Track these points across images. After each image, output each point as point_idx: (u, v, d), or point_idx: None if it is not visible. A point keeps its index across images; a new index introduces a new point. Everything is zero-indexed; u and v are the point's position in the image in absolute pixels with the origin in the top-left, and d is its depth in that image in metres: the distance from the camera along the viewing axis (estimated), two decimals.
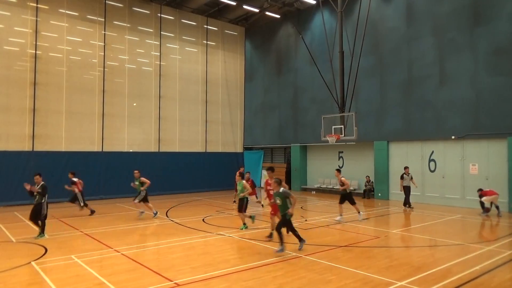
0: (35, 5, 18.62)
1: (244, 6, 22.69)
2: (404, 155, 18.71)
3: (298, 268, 7.65)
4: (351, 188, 21.14)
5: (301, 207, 16.82)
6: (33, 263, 8.06)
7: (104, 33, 20.78)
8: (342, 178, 13.33)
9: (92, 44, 20.40)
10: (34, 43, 18.58)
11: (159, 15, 22.93)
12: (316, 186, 23.21)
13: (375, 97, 19.78)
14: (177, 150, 23.43)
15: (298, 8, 23.48)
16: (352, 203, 13.27)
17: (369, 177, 20.10)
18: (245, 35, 27.38)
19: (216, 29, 25.64)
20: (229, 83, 26.36)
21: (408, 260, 8.36)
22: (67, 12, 19.59)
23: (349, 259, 8.31)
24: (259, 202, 16.31)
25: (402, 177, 16.35)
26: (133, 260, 8.27)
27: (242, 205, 11.55)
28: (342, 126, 16.78)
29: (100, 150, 20.46)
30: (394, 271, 7.44)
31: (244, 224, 11.72)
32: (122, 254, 8.80)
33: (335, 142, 17.55)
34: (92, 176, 19.74)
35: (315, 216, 14.39)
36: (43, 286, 6.69)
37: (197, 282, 6.82)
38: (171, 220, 13.48)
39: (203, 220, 13.40)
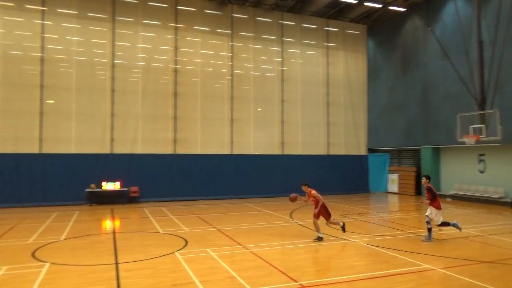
0: (174, 25, 21.16)
1: (366, 3, 21.91)
2: None
3: (431, 282, 7.07)
4: (498, 196, 18.58)
5: None
6: (176, 253, 9.17)
7: (232, 44, 22.44)
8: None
9: (221, 56, 22.24)
10: (174, 58, 21.11)
11: (281, 22, 23.72)
12: (451, 192, 20.97)
13: None
14: (299, 153, 23.84)
15: None
16: None
17: None
18: (367, 33, 26.39)
19: (336, 29, 25.33)
20: (352, 83, 25.73)
21: None
22: (200, 28, 21.76)
23: (494, 277, 7.32)
24: None
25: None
26: (260, 257, 8.73)
27: None
28: (483, 126, 14.87)
29: (230, 152, 22.12)
30: None
31: None
32: (250, 251, 9.37)
33: (474, 144, 15.62)
34: (224, 177, 21.54)
35: None
36: (184, 274, 7.56)
37: (321, 285, 6.86)
38: (295, 222, 13.78)
39: (326, 224, 13.35)
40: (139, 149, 20.15)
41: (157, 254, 8.99)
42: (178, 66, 21.14)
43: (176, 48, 21.16)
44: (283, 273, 7.55)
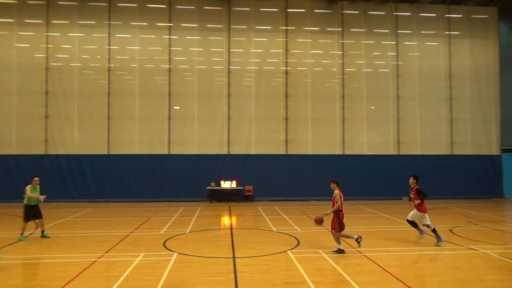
0: (285, 28, 21.63)
1: None
2: None
3: None
4: None
5: None
6: (289, 251, 9.40)
7: (342, 42, 21.98)
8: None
9: (331, 54, 21.95)
10: (285, 60, 21.58)
11: (395, 13, 22.36)
12: None
13: None
14: (418, 153, 22.13)
15: None
16: None
17: None
18: (498, 16, 23.16)
19: (460, 16, 22.81)
20: (480, 74, 22.87)
21: None
22: (310, 28, 21.82)
23: None
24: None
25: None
26: (374, 262, 8.41)
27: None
28: None
29: (342, 153, 21.69)
30: None
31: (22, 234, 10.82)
32: (363, 255, 9.09)
33: None
34: (335, 177, 21.10)
35: None
36: (296, 273, 7.71)
37: None
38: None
39: (450, 230, 12.20)
40: (253, 150, 21.15)
41: (270, 252, 9.35)
42: (288, 68, 21.56)
43: (286, 51, 21.61)
44: (400, 280, 7.16)
